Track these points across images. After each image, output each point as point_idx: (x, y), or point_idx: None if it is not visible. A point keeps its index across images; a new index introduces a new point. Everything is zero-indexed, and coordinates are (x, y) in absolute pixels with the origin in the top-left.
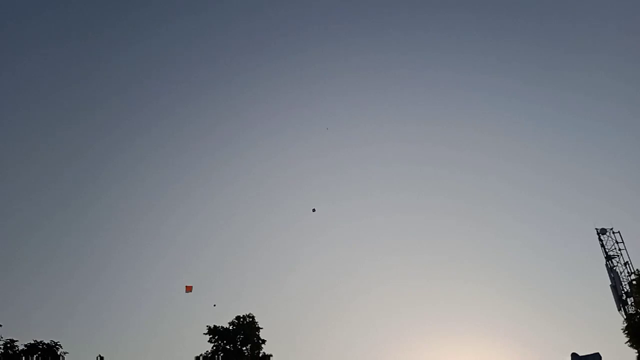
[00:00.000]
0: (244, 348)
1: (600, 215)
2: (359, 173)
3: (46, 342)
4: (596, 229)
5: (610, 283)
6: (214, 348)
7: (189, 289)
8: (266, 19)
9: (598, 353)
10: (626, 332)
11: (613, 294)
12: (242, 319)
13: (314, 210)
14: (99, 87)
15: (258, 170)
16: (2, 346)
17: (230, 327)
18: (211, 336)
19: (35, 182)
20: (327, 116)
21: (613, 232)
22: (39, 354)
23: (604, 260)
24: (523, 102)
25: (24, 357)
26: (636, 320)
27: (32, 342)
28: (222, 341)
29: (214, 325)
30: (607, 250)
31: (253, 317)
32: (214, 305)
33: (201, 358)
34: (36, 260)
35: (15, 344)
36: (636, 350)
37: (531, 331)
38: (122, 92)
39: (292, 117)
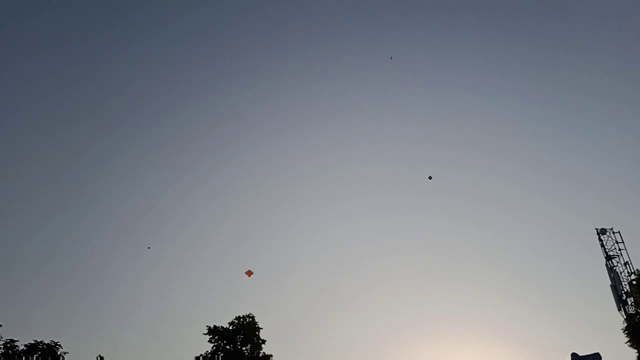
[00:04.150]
0: (244, 348)
1: (600, 215)
2: (359, 173)
3: (46, 342)
4: (596, 229)
5: (610, 283)
6: (214, 348)
7: (249, 273)
8: (266, 19)
9: (598, 353)
10: (626, 332)
11: (613, 294)
12: (242, 319)
13: (430, 177)
14: (99, 87)
15: (258, 170)
16: (2, 346)
17: (230, 327)
18: (211, 336)
19: (35, 182)
20: (327, 116)
21: (613, 232)
22: (39, 354)
23: (604, 260)
24: (523, 102)
25: (24, 357)
26: (636, 320)
27: (32, 342)
28: (222, 341)
29: (214, 325)
30: (607, 250)
31: (253, 317)
32: (149, 248)
33: (201, 358)
34: (36, 260)
35: (15, 344)
36: (636, 350)
37: (531, 331)
38: (122, 92)
39: (292, 117)
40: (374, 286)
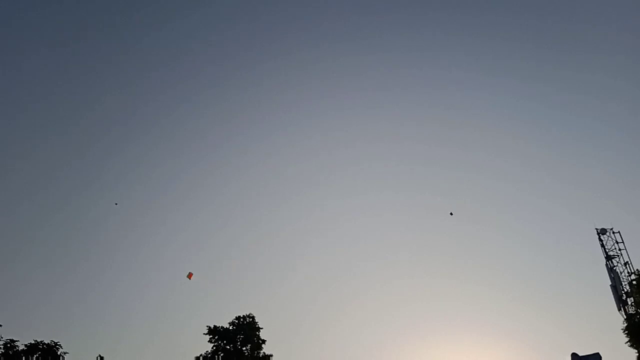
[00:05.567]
0: (244, 348)
1: (600, 215)
2: (359, 173)
3: (46, 342)
4: (596, 229)
5: (610, 283)
6: (214, 348)
7: (190, 276)
8: (266, 19)
9: (598, 353)
10: (626, 332)
11: (613, 294)
12: (242, 319)
13: (451, 214)
14: (99, 87)
15: (258, 170)
16: (2, 346)
17: (230, 327)
18: (211, 336)
19: (35, 182)
20: (327, 116)
21: (613, 232)
22: (39, 354)
23: (604, 260)
24: (523, 101)
25: (24, 357)
26: (636, 320)
27: (32, 342)
28: (222, 341)
29: (214, 325)
30: (607, 250)
31: (253, 317)
32: (116, 204)
33: (201, 358)
34: (36, 260)
35: (15, 344)
36: (636, 350)
37: (531, 331)
38: (122, 92)
39: (292, 117)
40: (374, 286)
